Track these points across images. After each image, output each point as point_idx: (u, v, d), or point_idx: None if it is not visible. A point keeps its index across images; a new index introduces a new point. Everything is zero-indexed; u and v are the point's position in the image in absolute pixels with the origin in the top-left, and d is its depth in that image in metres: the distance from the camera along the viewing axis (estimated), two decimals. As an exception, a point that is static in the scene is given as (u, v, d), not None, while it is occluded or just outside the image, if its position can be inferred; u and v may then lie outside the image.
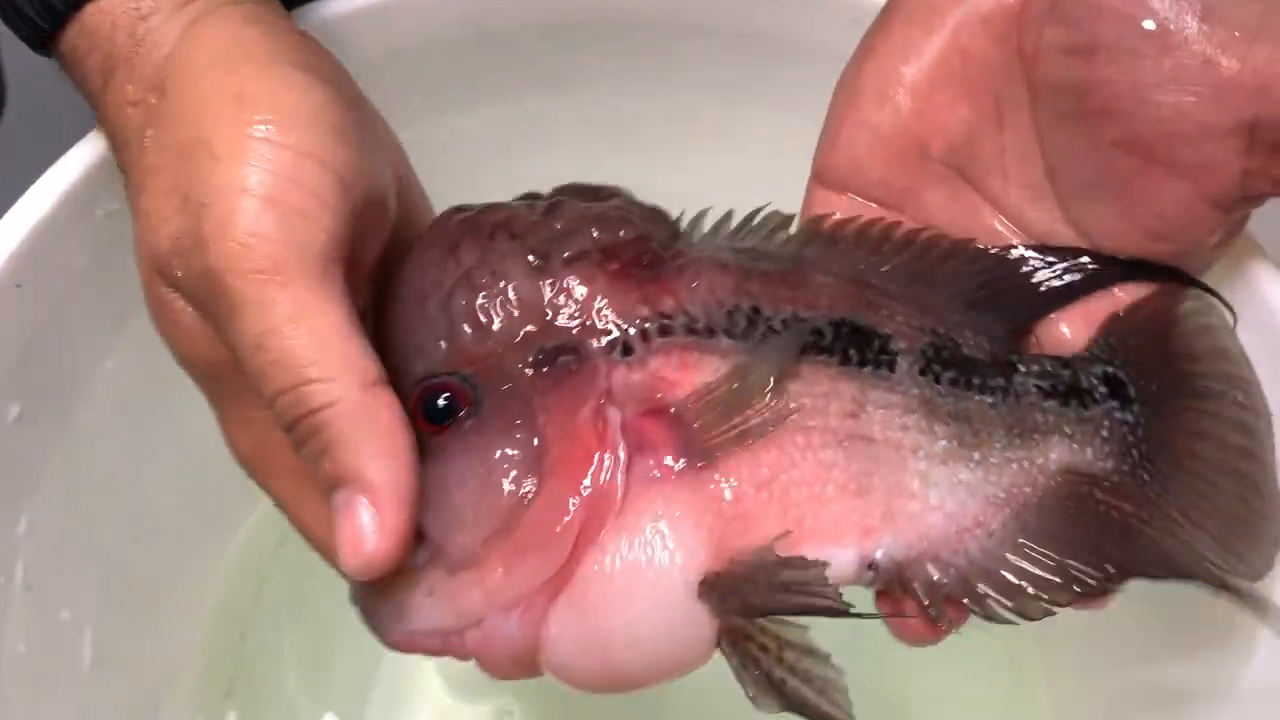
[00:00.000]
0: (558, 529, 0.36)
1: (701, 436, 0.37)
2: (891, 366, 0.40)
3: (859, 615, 0.36)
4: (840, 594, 0.36)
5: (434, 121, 0.61)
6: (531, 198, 0.42)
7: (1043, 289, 0.44)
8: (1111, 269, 0.44)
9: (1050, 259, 0.44)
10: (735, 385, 0.38)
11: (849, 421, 0.39)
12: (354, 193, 0.37)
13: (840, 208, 0.46)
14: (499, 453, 0.37)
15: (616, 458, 0.36)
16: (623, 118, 0.66)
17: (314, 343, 0.34)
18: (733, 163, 0.67)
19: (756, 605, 0.35)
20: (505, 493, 0.36)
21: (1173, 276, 0.44)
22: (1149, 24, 0.40)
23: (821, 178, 0.47)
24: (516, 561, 0.36)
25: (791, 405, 0.38)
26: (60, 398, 0.51)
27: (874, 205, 0.46)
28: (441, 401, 0.37)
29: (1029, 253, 0.44)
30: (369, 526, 0.33)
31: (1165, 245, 0.43)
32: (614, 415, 0.37)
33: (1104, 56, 0.41)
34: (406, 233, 0.42)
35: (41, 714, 0.50)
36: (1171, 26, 0.40)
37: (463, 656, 0.37)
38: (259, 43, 0.39)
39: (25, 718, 0.49)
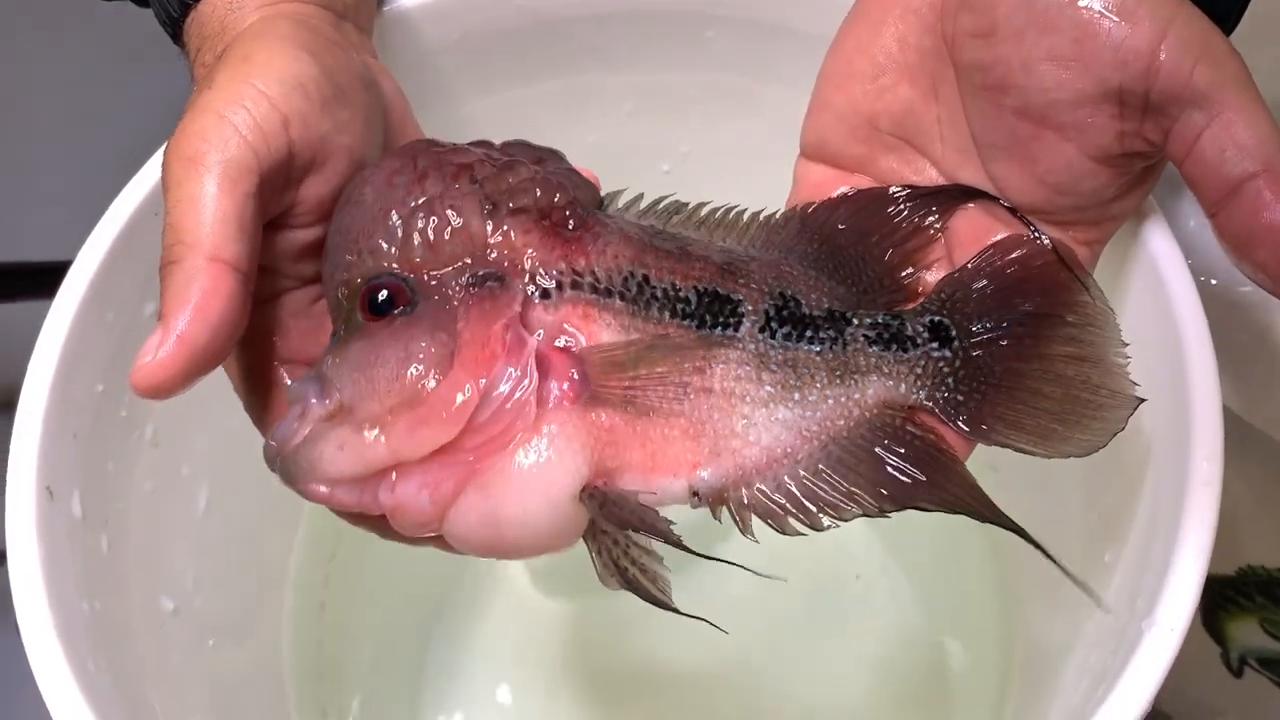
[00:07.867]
0: (453, 411, 0.42)
1: (598, 381, 0.44)
2: (737, 326, 0.47)
3: (690, 551, 0.43)
4: (679, 538, 0.43)
5: (501, 94, 0.72)
6: (485, 145, 0.48)
7: (874, 236, 0.51)
8: (943, 199, 0.51)
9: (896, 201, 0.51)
10: (636, 354, 0.44)
11: (697, 376, 0.45)
12: (295, 133, 0.45)
13: (817, 175, 0.55)
14: (419, 344, 0.43)
15: (528, 375, 0.43)
16: (661, 90, 0.75)
17: (195, 218, 0.42)
18: (754, 130, 0.75)
19: (624, 520, 0.43)
20: (416, 375, 0.43)
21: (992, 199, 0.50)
22: (1034, 7, 0.46)
23: (803, 150, 0.56)
24: (416, 429, 0.42)
25: (660, 370, 0.45)
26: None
27: (843, 171, 0.55)
28: (383, 295, 0.44)
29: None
30: (152, 351, 0.41)
31: (1065, 198, 0.49)
32: (530, 340, 0.44)
33: (999, 37, 0.47)
34: None
35: (160, 541, 0.63)
36: (1051, 10, 0.46)
37: (376, 511, 0.44)
38: (285, 29, 0.49)
39: (149, 542, 0.62)
